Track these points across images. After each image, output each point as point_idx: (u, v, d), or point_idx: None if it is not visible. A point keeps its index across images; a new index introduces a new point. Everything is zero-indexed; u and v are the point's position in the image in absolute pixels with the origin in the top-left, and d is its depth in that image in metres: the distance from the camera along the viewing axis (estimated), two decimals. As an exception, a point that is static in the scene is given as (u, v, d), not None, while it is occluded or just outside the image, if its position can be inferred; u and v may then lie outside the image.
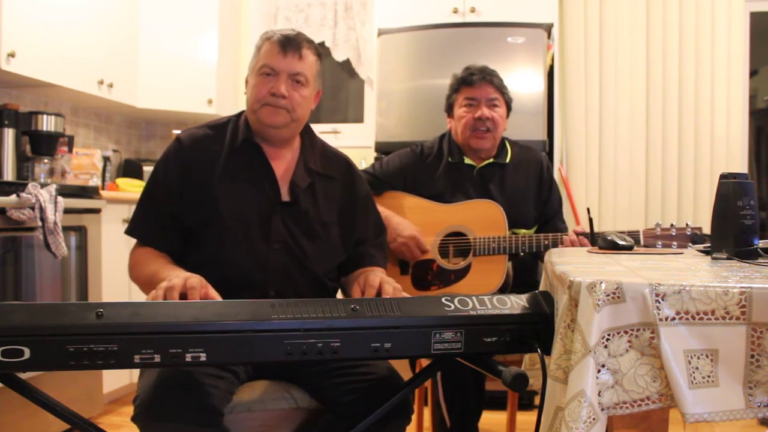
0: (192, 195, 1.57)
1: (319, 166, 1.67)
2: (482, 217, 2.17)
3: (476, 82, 2.22)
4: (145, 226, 1.60)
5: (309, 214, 1.61)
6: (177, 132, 1.70)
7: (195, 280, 1.29)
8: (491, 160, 2.27)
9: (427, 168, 2.29)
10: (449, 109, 2.31)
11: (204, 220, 1.56)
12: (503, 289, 2.16)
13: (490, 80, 2.23)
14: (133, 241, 1.63)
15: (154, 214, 1.59)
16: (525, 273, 2.25)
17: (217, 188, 1.56)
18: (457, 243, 2.20)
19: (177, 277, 1.30)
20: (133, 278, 1.58)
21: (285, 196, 1.60)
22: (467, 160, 2.27)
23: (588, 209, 2.10)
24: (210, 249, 1.55)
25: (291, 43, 1.57)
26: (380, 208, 2.19)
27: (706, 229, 1.71)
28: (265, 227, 1.57)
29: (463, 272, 2.18)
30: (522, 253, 2.15)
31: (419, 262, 2.22)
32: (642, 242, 2.00)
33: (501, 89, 2.26)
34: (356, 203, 1.71)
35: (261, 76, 1.58)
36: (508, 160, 2.29)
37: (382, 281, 1.42)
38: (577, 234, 2.10)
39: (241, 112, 1.68)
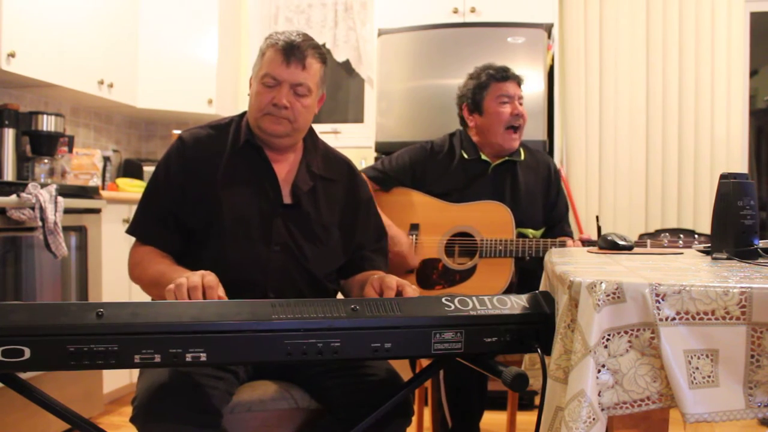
0: (194, 195, 1.56)
1: (322, 168, 1.67)
2: (490, 219, 2.17)
3: (510, 79, 2.25)
4: (146, 225, 1.59)
5: (310, 217, 1.60)
6: (177, 132, 1.70)
7: (211, 278, 1.28)
8: (506, 157, 2.28)
9: (437, 165, 2.29)
10: (476, 107, 2.28)
11: (205, 221, 1.55)
12: (507, 293, 2.15)
13: (517, 79, 2.28)
14: (133, 241, 1.63)
15: (155, 214, 1.58)
16: (529, 278, 2.25)
17: (219, 189, 1.56)
18: (463, 243, 2.20)
19: (194, 275, 1.28)
20: (134, 278, 1.57)
21: (287, 199, 1.60)
22: (483, 157, 2.28)
23: (597, 217, 2.09)
24: (211, 250, 1.54)
25: (295, 52, 1.54)
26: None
27: (707, 230, 1.72)
28: (266, 229, 1.56)
29: (468, 273, 2.18)
30: (528, 257, 2.15)
31: (425, 260, 2.22)
32: None
33: (521, 88, 2.30)
34: (358, 206, 1.70)
35: (263, 85, 1.56)
36: (521, 158, 2.31)
37: (400, 284, 1.39)
38: (583, 241, 2.09)
39: (244, 113, 1.67)
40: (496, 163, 2.27)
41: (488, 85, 2.25)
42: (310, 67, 1.57)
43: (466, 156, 2.27)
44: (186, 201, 1.56)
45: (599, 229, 1.98)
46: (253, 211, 1.57)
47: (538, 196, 2.30)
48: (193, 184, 1.57)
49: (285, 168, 1.63)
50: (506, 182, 2.27)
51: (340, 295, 1.73)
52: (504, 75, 2.25)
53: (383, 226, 1.79)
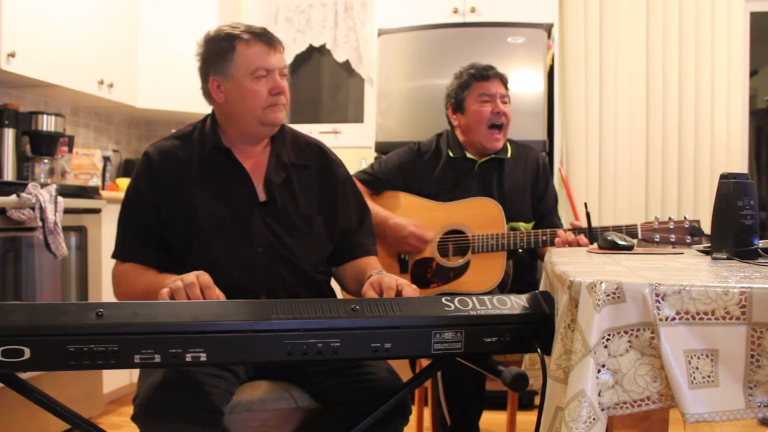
0: (168, 208, 1.55)
1: (292, 156, 1.65)
2: (480, 215, 2.19)
3: (491, 78, 2.26)
4: (128, 247, 1.57)
5: (288, 210, 1.59)
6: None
7: (206, 278, 1.28)
8: (492, 155, 2.29)
9: (425, 165, 2.31)
10: (458, 106, 2.30)
11: (185, 231, 1.54)
12: (503, 287, 2.16)
13: (501, 77, 2.29)
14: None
15: (135, 233, 1.56)
16: (524, 271, 2.27)
17: (193, 197, 1.55)
18: (455, 241, 2.21)
19: (188, 275, 1.28)
20: (121, 294, 1.55)
21: (262, 196, 1.59)
22: (469, 155, 2.29)
23: (585, 204, 2.11)
24: (195, 259, 1.51)
25: (272, 38, 1.57)
26: (377, 210, 2.20)
27: (706, 228, 1.72)
28: (246, 230, 1.55)
29: (462, 269, 2.19)
30: (520, 250, 2.16)
31: (419, 260, 2.23)
32: (640, 236, 2.01)
33: (507, 87, 2.30)
34: (335, 188, 1.68)
35: (257, 79, 1.55)
36: (508, 155, 2.32)
37: (400, 283, 1.38)
38: (575, 228, 2.10)
39: (205, 118, 1.66)
40: (483, 160, 2.29)
41: (469, 84, 2.27)
42: (283, 49, 1.61)
43: (452, 155, 2.29)
44: (162, 215, 1.55)
45: (588, 215, 2.00)
46: (230, 215, 1.56)
47: (526, 190, 2.31)
48: (166, 197, 1.55)
49: (255, 164, 1.62)
50: (493, 179, 2.28)
51: (336, 288, 1.72)
52: (485, 74, 2.26)
53: (365, 203, 1.78)
